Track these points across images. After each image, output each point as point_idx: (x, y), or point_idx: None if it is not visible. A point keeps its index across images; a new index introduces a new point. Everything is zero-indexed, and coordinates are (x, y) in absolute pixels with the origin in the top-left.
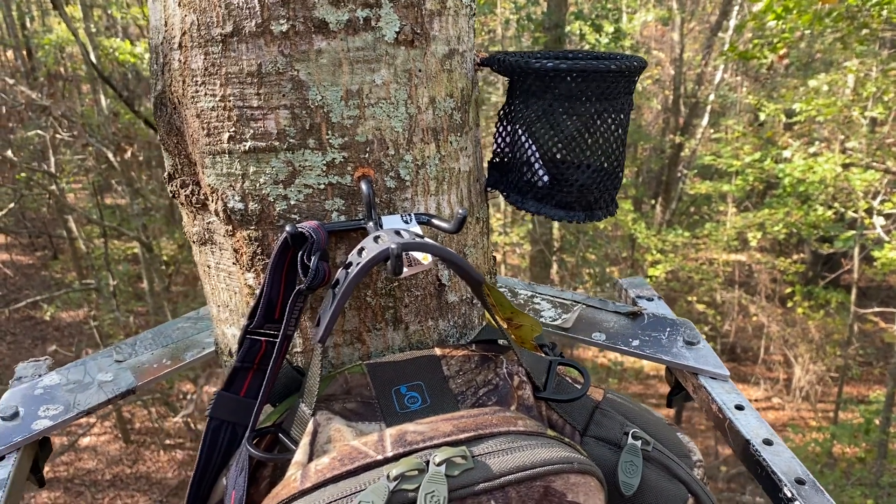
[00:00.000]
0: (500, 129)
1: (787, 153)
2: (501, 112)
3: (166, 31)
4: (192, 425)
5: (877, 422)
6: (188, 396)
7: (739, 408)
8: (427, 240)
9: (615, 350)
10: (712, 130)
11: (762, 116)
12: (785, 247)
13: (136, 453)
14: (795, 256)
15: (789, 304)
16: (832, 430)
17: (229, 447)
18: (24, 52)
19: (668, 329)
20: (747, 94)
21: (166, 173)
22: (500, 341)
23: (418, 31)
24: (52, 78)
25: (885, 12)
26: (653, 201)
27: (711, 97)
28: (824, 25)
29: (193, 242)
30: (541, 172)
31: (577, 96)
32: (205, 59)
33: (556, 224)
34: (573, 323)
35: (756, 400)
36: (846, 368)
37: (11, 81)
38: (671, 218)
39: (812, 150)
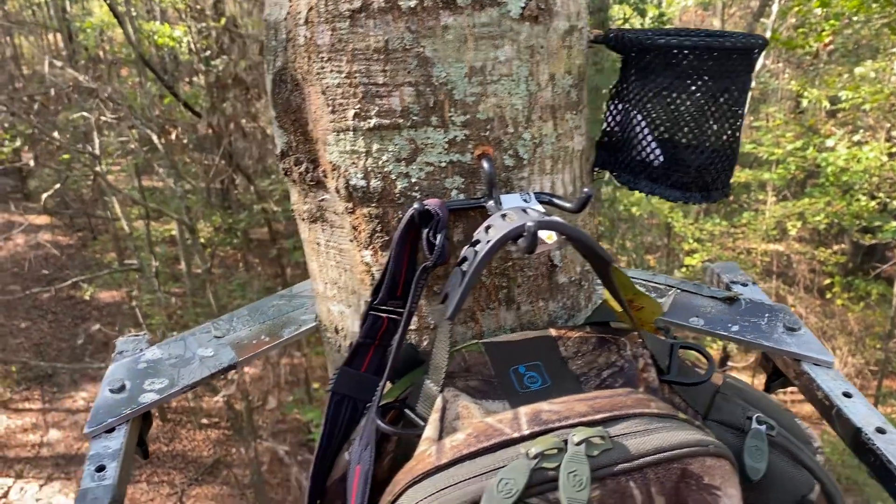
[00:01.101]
0: (612, 108)
1: (830, 142)
2: (613, 90)
3: (291, 6)
4: (231, 405)
5: None
6: (228, 376)
7: (847, 395)
8: (557, 218)
9: (714, 335)
10: (752, 118)
11: (804, 103)
12: (825, 237)
13: (172, 431)
14: (836, 247)
15: (828, 296)
16: None
17: (350, 422)
18: (66, 36)
19: (767, 315)
20: (789, 80)
21: (279, 150)
22: (612, 323)
23: (542, 7)
24: (94, 61)
25: None
26: None
27: (752, 84)
28: (872, 11)
29: (303, 220)
30: (657, 152)
31: (699, 74)
32: (332, 34)
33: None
34: (668, 307)
35: (793, 392)
36: (886, 362)
37: (59, 64)
38: (708, 206)
39: (856, 138)
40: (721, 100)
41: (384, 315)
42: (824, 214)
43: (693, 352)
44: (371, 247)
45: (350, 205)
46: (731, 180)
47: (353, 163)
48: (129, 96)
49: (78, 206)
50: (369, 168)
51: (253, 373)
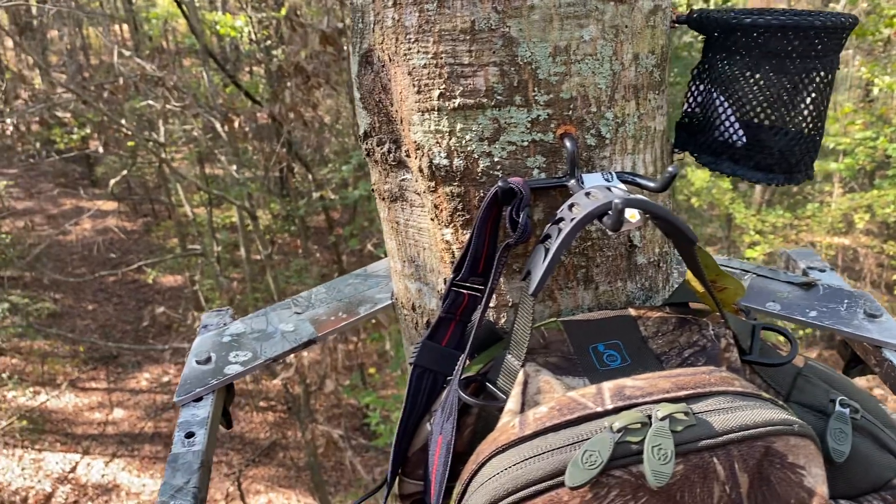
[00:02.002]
0: (693, 89)
1: None
2: (695, 71)
3: None
4: (289, 388)
5: None
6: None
7: None
8: (642, 196)
9: (792, 321)
10: None
11: (875, 91)
12: (895, 231)
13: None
14: None
15: None
16: None
17: (431, 394)
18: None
19: (847, 301)
20: (859, 67)
21: (362, 131)
22: (692, 304)
23: None
24: (158, 51)
25: None
26: None
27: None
28: None
29: (383, 199)
30: (740, 133)
31: (787, 53)
32: (419, 15)
33: None
34: (745, 292)
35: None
36: None
37: (128, 54)
38: (771, 198)
39: None
40: (807, 80)
41: (465, 291)
42: (894, 207)
43: (775, 334)
44: (452, 225)
45: (432, 184)
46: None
47: (437, 142)
48: (193, 85)
49: (142, 193)
50: (452, 147)
51: (311, 357)
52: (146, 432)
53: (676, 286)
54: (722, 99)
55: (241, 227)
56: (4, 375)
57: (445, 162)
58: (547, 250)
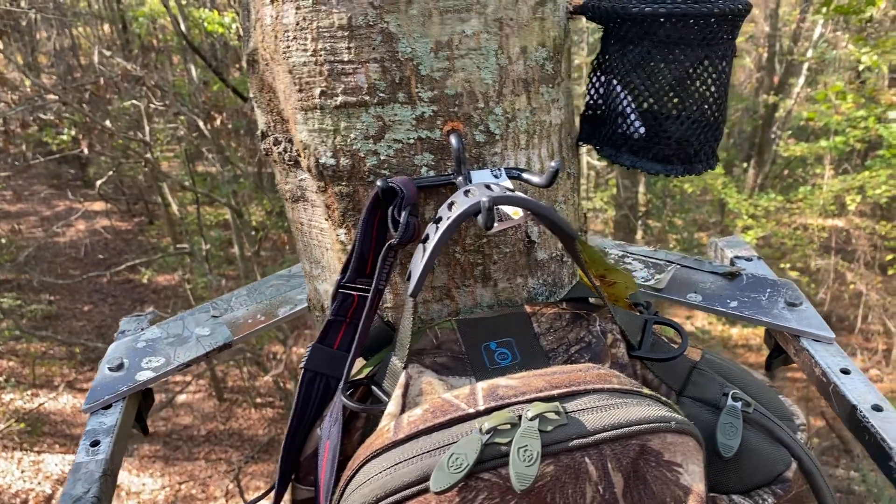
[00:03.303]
0: (594, 81)
1: (893, 114)
2: (595, 62)
3: None
4: (281, 384)
5: None
6: (278, 357)
7: (845, 371)
8: (518, 193)
9: (711, 311)
10: (809, 90)
11: (861, 67)
12: (887, 211)
13: (228, 411)
14: None
15: (890, 272)
16: None
17: (323, 398)
18: (120, 26)
19: (769, 290)
20: (847, 44)
21: (259, 131)
22: (592, 299)
23: None
24: (145, 49)
25: None
26: (745, 164)
27: (809, 54)
28: None
29: (286, 200)
30: (637, 124)
31: (677, 42)
32: (296, 13)
33: (641, 188)
34: (667, 283)
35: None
36: None
37: (108, 53)
38: (764, 182)
39: None
40: (700, 68)
41: (354, 293)
42: (886, 188)
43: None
44: (344, 225)
45: (322, 183)
46: (718, 152)
47: (322, 141)
48: (178, 83)
49: (133, 193)
50: (338, 146)
51: (301, 353)
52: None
53: (577, 280)
54: (620, 89)
55: (234, 224)
56: (1, 378)
57: (332, 161)
58: (425, 250)
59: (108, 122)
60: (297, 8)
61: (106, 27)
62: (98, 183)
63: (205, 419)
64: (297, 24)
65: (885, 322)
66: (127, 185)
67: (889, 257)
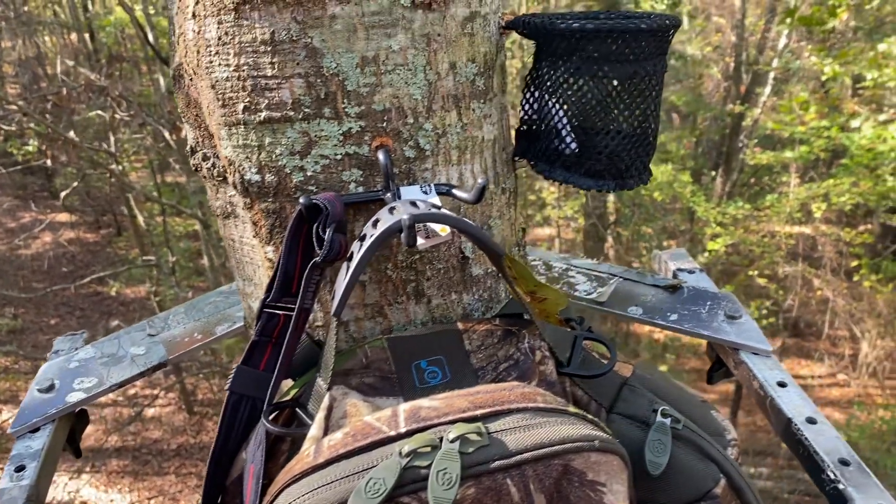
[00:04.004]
0: (527, 96)
1: (856, 123)
2: (528, 77)
3: (180, 1)
4: None
5: None
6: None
7: (782, 384)
8: (443, 211)
9: (652, 324)
10: (775, 99)
11: (824, 78)
12: (852, 218)
13: (199, 424)
14: (863, 228)
15: (856, 278)
16: None
17: (249, 421)
18: (87, 35)
19: (709, 302)
20: (809, 55)
21: (188, 147)
22: (527, 315)
23: None
24: (113, 59)
25: None
26: (713, 173)
27: (775, 63)
28: None
29: (218, 216)
30: (569, 140)
31: (605, 58)
32: (218, 27)
33: (611, 197)
34: (609, 296)
35: (820, 376)
36: None
37: (71, 63)
38: (732, 190)
39: (882, 117)
40: (629, 83)
41: (280, 312)
42: (850, 195)
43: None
44: (272, 242)
45: (248, 200)
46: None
47: (247, 157)
48: (146, 93)
49: (100, 204)
50: (263, 162)
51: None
52: (110, 447)
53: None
54: (552, 105)
55: (203, 235)
56: None
57: (257, 177)
58: (348, 268)
59: (72, 133)
60: (219, 23)
61: (73, 36)
62: (63, 194)
63: (175, 433)
64: (220, 38)
65: (851, 327)
66: (94, 196)
67: (854, 263)
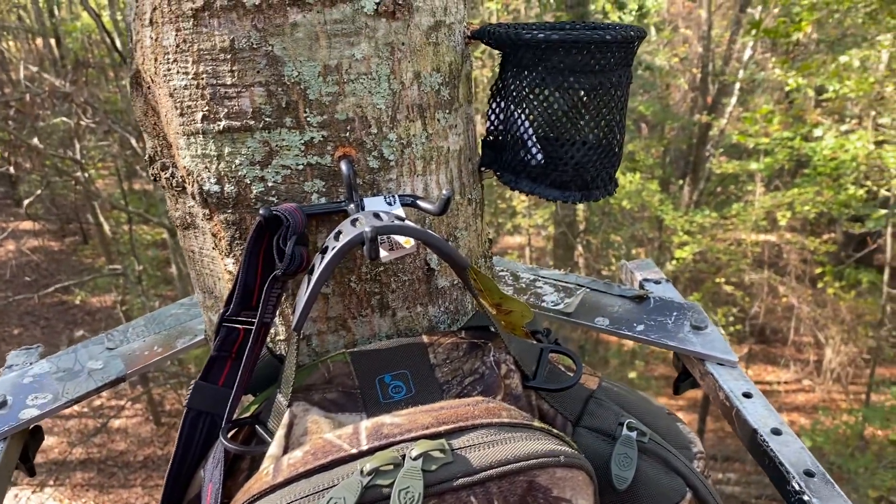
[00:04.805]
0: (494, 106)
1: (818, 132)
2: (494, 88)
3: (137, 6)
4: None
5: None
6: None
7: (747, 395)
8: (407, 222)
9: (618, 335)
10: (741, 109)
11: (788, 89)
12: (816, 226)
13: (166, 435)
14: (826, 236)
15: (820, 285)
16: (864, 412)
17: (208, 438)
18: (54, 41)
19: (675, 313)
20: (773, 66)
21: (147, 156)
22: (493, 328)
23: (400, 2)
24: (80, 65)
25: None
26: (680, 182)
27: (741, 74)
28: (854, 1)
29: (178, 227)
30: (534, 150)
31: (570, 69)
32: (176, 35)
33: (580, 205)
34: (576, 307)
35: (786, 382)
36: (878, 350)
37: (35, 69)
38: (699, 198)
39: (844, 127)
40: (596, 94)
41: (239, 326)
42: (813, 204)
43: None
44: (232, 254)
45: (207, 211)
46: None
47: (206, 167)
48: (113, 100)
49: (66, 212)
50: (222, 172)
51: None
52: (75, 459)
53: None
54: (517, 115)
55: (171, 243)
56: None
57: (216, 188)
58: (309, 281)
59: (36, 140)
60: (178, 30)
61: (39, 41)
62: (26, 202)
63: (141, 444)
64: (178, 46)
65: (815, 333)
66: (59, 203)
67: (818, 271)
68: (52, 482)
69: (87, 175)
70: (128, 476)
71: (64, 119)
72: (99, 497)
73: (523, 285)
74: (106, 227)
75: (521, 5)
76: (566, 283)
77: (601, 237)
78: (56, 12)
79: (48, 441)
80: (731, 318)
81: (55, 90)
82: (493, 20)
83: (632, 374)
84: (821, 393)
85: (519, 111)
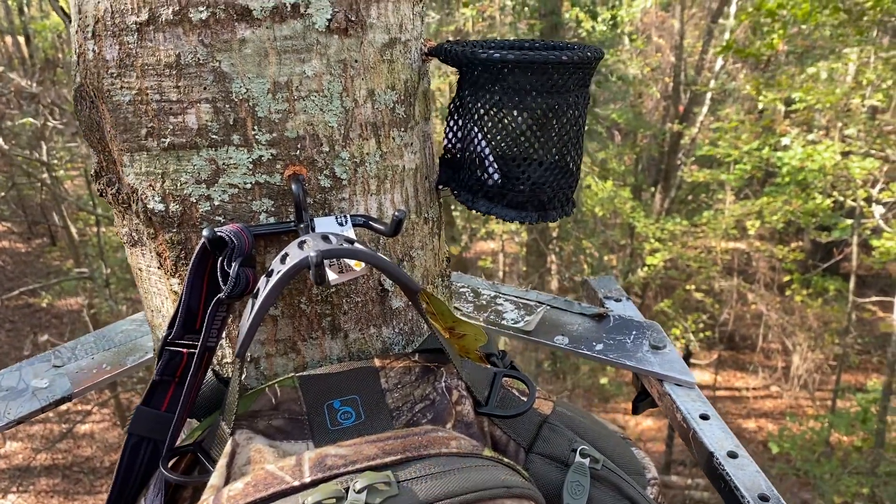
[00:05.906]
0: (451, 124)
1: (786, 141)
2: (451, 106)
3: (80, 18)
4: None
5: (874, 410)
6: None
7: (704, 417)
8: (356, 245)
9: (578, 354)
10: (713, 118)
11: (760, 105)
12: (784, 235)
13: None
14: (794, 245)
15: (788, 293)
16: (830, 418)
17: (150, 465)
18: (23, 39)
19: (634, 332)
20: (745, 82)
21: (93, 171)
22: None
23: (353, 19)
24: (49, 65)
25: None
26: (652, 189)
27: (712, 84)
28: (820, 19)
29: (125, 244)
30: (491, 170)
31: (526, 89)
32: (119, 49)
33: None
34: (536, 325)
35: (754, 388)
36: (844, 357)
37: (1, 68)
38: (670, 206)
39: (811, 137)
40: (553, 115)
41: (183, 350)
42: (781, 213)
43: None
44: (178, 275)
45: (151, 230)
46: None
47: (150, 185)
48: None
49: (33, 213)
50: (167, 190)
51: None
52: (41, 465)
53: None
54: (475, 134)
55: None
56: None
57: (161, 207)
58: (253, 305)
59: (1, 141)
60: (121, 44)
61: (8, 39)
62: None
63: (108, 450)
64: (121, 60)
65: (783, 340)
66: (26, 205)
67: (786, 279)
68: (15, 489)
69: (54, 176)
70: (94, 482)
71: (31, 120)
72: (64, 503)
73: (483, 302)
74: (73, 230)
75: (496, 13)
76: (527, 300)
77: (573, 243)
78: (25, 10)
79: (11, 447)
80: (701, 325)
81: (22, 90)
82: (469, 27)
83: (603, 380)
84: (788, 399)
85: (476, 130)
